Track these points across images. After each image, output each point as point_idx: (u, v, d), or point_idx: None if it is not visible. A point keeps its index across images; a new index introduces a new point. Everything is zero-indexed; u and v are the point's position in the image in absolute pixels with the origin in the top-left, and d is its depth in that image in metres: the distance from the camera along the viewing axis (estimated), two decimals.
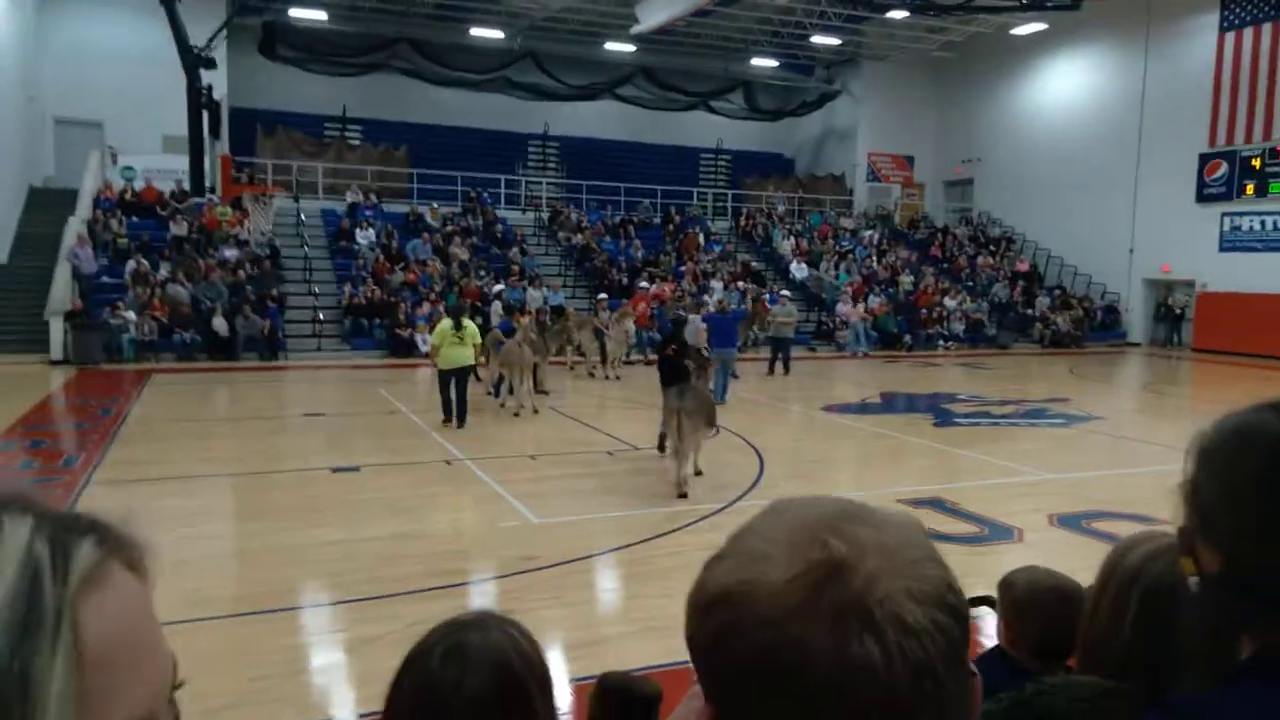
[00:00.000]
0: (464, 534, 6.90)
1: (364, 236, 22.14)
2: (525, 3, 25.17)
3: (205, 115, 22.11)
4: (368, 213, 23.22)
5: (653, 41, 26.41)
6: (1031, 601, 1.79)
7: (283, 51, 25.61)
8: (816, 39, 27.87)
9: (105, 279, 18.53)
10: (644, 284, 20.79)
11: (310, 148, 26.26)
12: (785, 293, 20.27)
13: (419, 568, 5.88)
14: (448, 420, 11.13)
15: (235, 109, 25.11)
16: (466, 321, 11.34)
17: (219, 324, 17.74)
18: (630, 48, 27.54)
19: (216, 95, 22.70)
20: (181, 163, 22.13)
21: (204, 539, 6.60)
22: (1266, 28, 21.59)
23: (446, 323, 11.34)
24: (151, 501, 7.56)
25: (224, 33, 22.23)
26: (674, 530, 6.81)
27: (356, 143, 27.82)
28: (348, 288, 19.98)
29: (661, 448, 9.35)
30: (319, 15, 25.40)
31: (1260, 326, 21.32)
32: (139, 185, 21.69)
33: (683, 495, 7.90)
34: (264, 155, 24.97)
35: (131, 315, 17.16)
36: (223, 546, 6.63)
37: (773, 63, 30.23)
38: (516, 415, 11.99)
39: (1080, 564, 1.32)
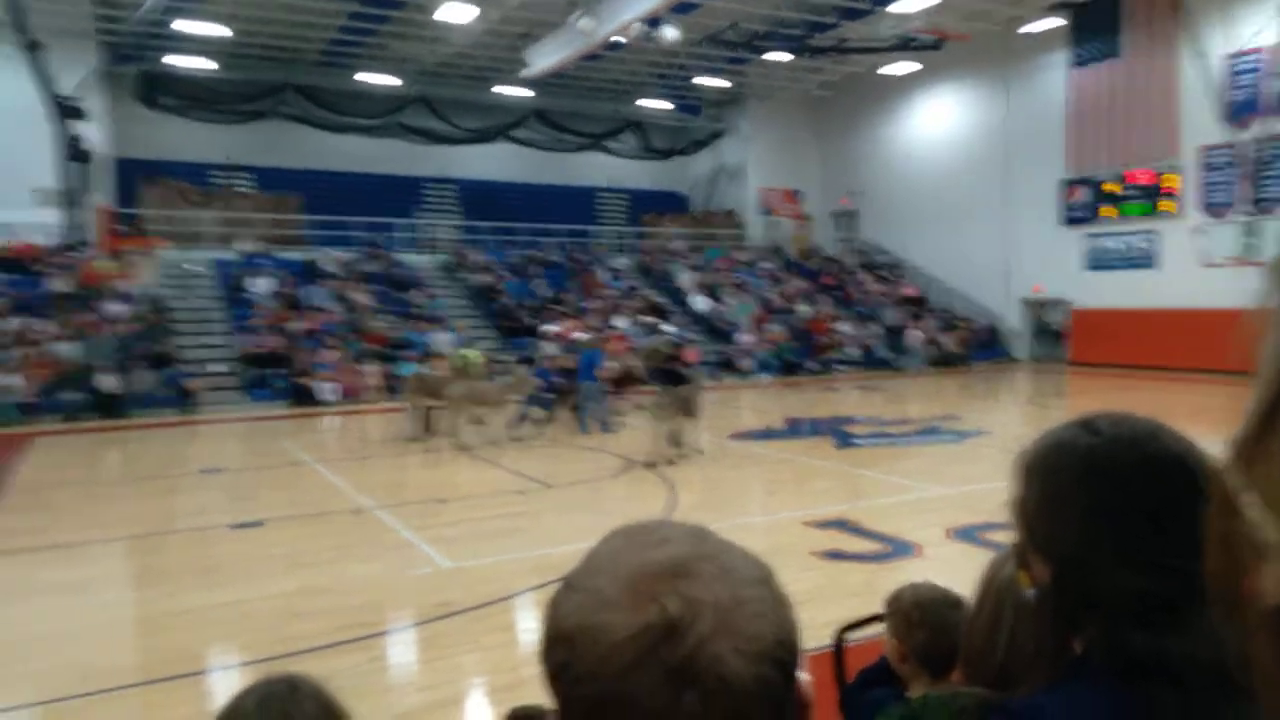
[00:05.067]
0: (374, 584, 6.76)
1: (260, 285, 21.51)
2: (416, 48, 25.17)
3: (78, 166, 21.18)
4: (263, 261, 22.60)
5: (545, 85, 26.75)
6: (917, 615, 1.79)
7: (163, 100, 24.80)
8: (701, 80, 28.77)
9: None
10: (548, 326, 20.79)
11: (197, 197, 25.40)
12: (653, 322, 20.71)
13: (327, 623, 5.73)
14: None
15: (116, 159, 24.13)
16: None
17: (108, 381, 16.90)
18: (523, 91, 27.81)
19: (92, 145, 21.79)
20: (54, 217, 21.12)
21: (95, 608, 6.29)
22: (1109, 64, 23.50)
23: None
24: (38, 572, 7.16)
25: (96, 81, 21.43)
26: None
27: (246, 190, 27.08)
28: (245, 337, 19.32)
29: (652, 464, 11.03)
30: (199, 63, 24.76)
31: (1127, 339, 22.90)
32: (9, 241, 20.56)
33: (650, 465, 10.75)
34: (148, 206, 24.03)
35: (14, 379, 16.19)
36: (116, 615, 6.32)
37: (662, 103, 31.02)
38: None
39: (977, 575, 1.41)
